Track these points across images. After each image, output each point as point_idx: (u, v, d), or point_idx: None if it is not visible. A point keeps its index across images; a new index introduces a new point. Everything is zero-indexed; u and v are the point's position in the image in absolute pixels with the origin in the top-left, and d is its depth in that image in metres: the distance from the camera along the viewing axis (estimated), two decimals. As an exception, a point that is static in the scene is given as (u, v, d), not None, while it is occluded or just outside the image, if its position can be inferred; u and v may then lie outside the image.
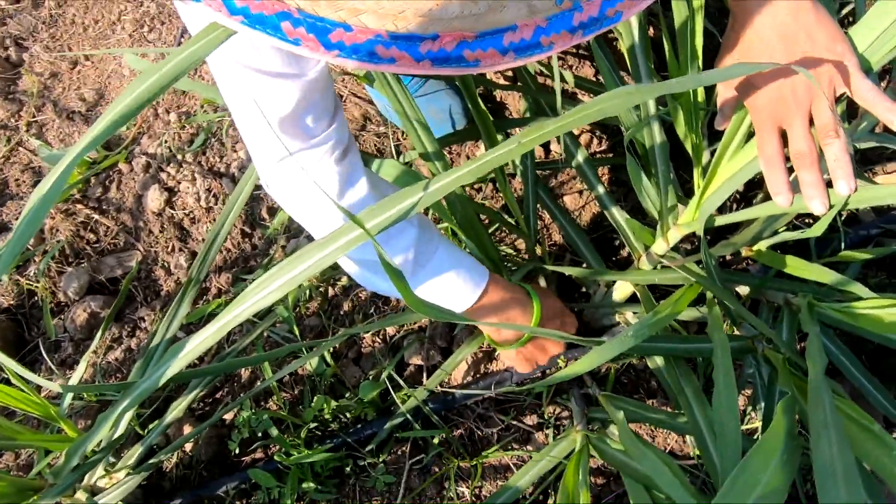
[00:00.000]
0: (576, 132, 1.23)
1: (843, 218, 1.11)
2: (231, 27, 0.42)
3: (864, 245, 1.09)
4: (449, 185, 0.57)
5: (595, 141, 1.25)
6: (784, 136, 0.67)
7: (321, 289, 1.18)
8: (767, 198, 0.70)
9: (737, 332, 0.99)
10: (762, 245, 0.94)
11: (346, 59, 0.41)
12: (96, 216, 1.32)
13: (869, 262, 1.06)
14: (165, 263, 1.29)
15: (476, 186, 1.24)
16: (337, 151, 0.70)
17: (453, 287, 0.81)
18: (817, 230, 0.72)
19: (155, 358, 0.87)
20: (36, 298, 1.29)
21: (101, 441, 0.84)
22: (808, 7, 0.60)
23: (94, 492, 0.96)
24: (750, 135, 0.77)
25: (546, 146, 1.28)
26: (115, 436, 0.90)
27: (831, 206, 0.67)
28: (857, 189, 0.65)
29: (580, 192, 1.22)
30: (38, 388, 1.19)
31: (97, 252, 1.32)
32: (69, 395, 1.00)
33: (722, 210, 1.14)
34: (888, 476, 0.54)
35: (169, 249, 1.30)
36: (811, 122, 0.65)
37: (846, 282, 0.81)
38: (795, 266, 0.87)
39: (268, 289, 0.60)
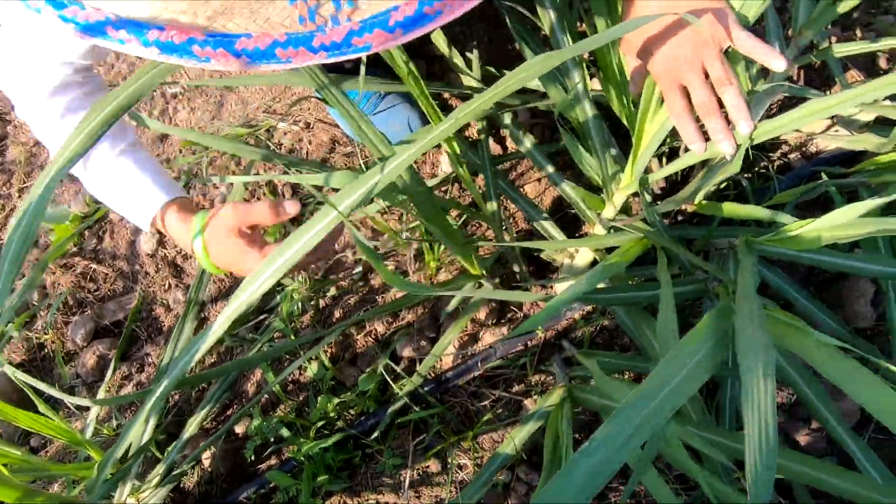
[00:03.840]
0: (527, 126, 1.33)
1: (775, 166, 1.22)
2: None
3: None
4: (400, 166, 0.67)
5: (546, 132, 1.36)
6: (687, 93, 0.77)
7: (313, 301, 1.27)
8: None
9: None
10: (700, 197, 1.04)
11: (82, 34, 0.49)
12: (94, 266, 1.40)
13: (805, 203, 1.16)
14: (164, 301, 1.37)
15: (443, 189, 1.34)
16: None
17: (142, 192, 0.88)
18: (734, 168, 0.82)
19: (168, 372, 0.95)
20: (46, 350, 1.37)
21: (128, 449, 0.91)
22: None
23: (124, 511, 1.03)
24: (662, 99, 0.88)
25: (504, 144, 1.38)
26: (143, 441, 0.97)
27: (739, 146, 0.77)
28: (756, 127, 0.76)
29: (538, 181, 1.32)
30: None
31: (98, 299, 1.40)
32: (92, 424, 1.07)
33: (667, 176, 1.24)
34: (805, 352, 0.63)
35: (165, 287, 1.38)
36: (707, 76, 0.75)
37: (774, 214, 0.91)
38: (731, 210, 0.98)
39: (267, 272, 0.69)
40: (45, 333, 1.35)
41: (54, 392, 0.81)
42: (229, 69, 0.51)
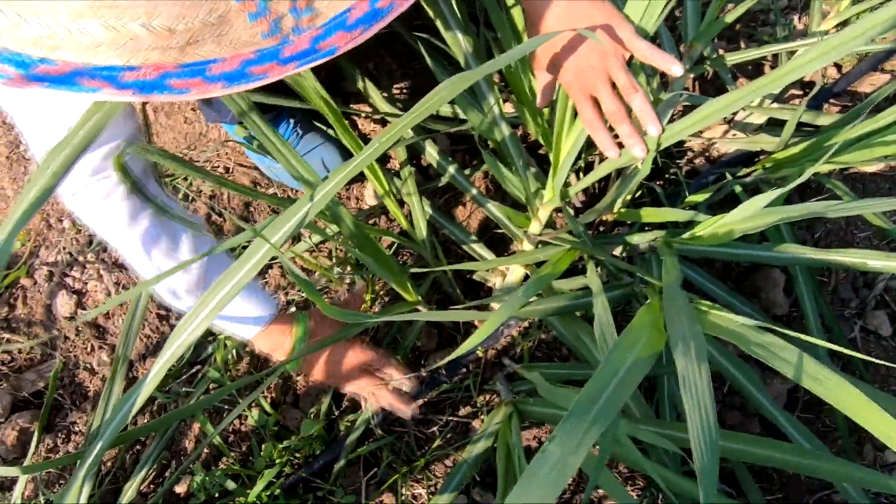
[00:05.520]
0: (448, 154, 1.36)
1: (684, 172, 1.28)
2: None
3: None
4: (328, 193, 0.67)
5: (467, 157, 1.39)
6: (598, 102, 0.81)
7: (248, 347, 1.24)
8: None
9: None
10: (619, 205, 1.09)
11: (53, 88, 0.46)
12: (7, 335, 1.32)
13: (714, 203, 1.23)
14: (87, 364, 1.31)
15: (370, 221, 1.35)
16: (125, 185, 0.79)
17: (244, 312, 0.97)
18: (645, 170, 0.87)
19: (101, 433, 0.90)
20: (-41, 431, 1.27)
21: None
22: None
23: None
24: (575, 112, 0.92)
25: (427, 173, 1.40)
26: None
27: (650, 150, 0.81)
28: (665, 130, 0.80)
29: (464, 204, 1.35)
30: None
31: (15, 370, 1.31)
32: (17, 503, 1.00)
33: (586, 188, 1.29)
34: (732, 336, 0.66)
35: (88, 350, 1.32)
36: (615, 86, 0.79)
37: (693, 214, 0.96)
38: (649, 214, 1.02)
39: (198, 318, 0.67)
40: (-43, 413, 1.26)
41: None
42: (209, 96, 0.50)
